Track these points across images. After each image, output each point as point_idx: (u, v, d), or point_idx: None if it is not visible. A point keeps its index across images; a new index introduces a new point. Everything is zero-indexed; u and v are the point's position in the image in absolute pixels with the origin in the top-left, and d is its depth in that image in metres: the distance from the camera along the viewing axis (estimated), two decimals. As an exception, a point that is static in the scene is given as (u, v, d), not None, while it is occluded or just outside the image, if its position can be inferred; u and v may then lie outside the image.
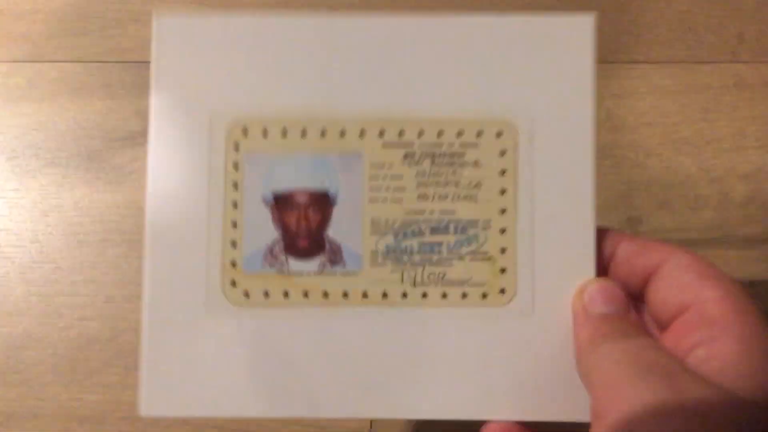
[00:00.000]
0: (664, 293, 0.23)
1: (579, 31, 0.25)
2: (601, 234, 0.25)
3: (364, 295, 0.25)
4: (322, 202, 0.25)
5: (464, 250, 0.25)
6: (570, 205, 0.25)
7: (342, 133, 0.26)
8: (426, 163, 0.26)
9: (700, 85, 0.34)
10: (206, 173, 0.25)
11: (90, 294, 0.34)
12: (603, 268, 0.25)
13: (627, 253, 0.24)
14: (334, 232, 0.26)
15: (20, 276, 0.33)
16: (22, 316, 0.33)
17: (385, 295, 0.25)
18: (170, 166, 0.25)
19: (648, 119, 0.34)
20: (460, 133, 0.26)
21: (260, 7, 0.39)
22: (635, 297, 0.24)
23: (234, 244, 0.25)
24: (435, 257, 0.25)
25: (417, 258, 0.26)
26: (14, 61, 0.35)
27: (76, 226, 0.33)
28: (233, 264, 0.25)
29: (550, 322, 0.24)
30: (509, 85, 0.25)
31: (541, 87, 0.26)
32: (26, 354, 0.33)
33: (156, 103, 0.25)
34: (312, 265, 0.26)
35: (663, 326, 0.23)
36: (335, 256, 0.25)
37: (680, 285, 0.22)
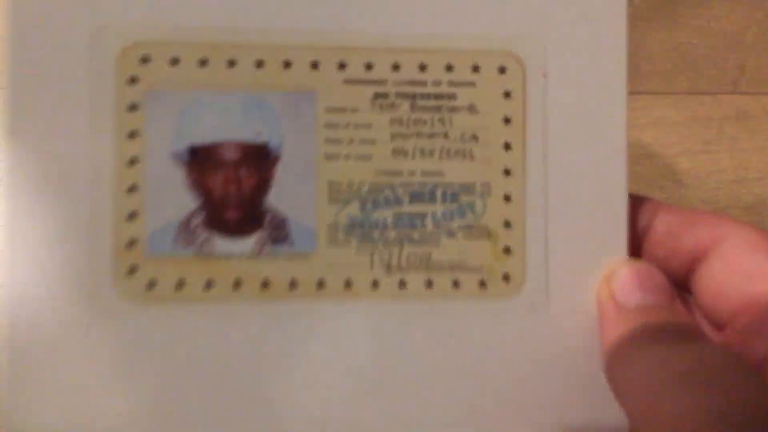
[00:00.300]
0: (722, 281, 0.19)
1: None
2: (635, 203, 0.21)
3: (320, 284, 0.20)
4: (260, 157, 0.19)
5: (456, 223, 0.20)
6: (594, 163, 0.20)
7: (287, 64, 0.20)
8: (403, 108, 0.20)
9: (702, 117, 0.35)
10: (87, 119, 0.19)
11: None
12: (636, 247, 0.21)
13: (668, 228, 0.20)
14: (276, 199, 0.20)
15: None
16: None
17: (348, 284, 0.20)
18: (33, 108, 0.19)
19: (649, 151, 0.35)
20: (449, 68, 0.20)
21: None
22: (678, 285, 0.20)
23: (132, 216, 0.19)
24: (416, 234, 0.20)
25: (392, 234, 0.20)
26: None
27: None
28: (132, 243, 0.19)
29: (568, 318, 0.20)
30: (515, 4, 0.20)
31: (556, 5, 0.21)
32: None
33: (11, 15, 0.19)
34: (246, 244, 0.19)
35: (719, 324, 0.19)
36: (278, 233, 0.19)
37: (745, 270, 0.19)
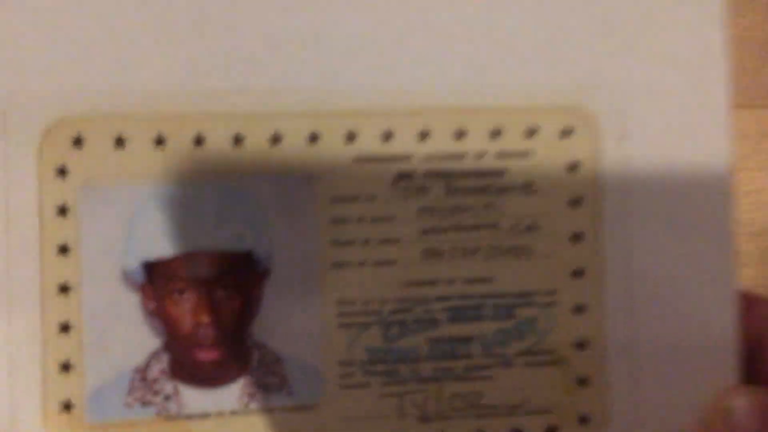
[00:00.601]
0: None
1: None
2: (749, 303, 0.17)
3: (332, 449, 0.15)
4: (243, 272, 0.15)
5: (512, 348, 0.16)
6: (694, 257, 0.16)
7: (275, 139, 0.15)
8: (436, 191, 0.16)
9: (737, 133, 0.33)
10: (3, 223, 0.14)
11: None
12: (749, 360, 0.17)
13: None
14: (267, 329, 0.15)
15: None
16: None
17: (369, 443, 0.15)
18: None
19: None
20: (496, 133, 0.16)
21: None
22: None
23: (66, 367, 0.15)
24: (460, 366, 0.15)
25: (427, 369, 0.16)
26: None
27: None
28: (66, 407, 0.15)
29: None
30: (581, 44, 0.16)
31: (638, 47, 0.16)
32: None
33: None
34: (227, 397, 0.15)
35: None
36: (272, 377, 0.15)
37: None
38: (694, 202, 0.17)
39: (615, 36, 0.17)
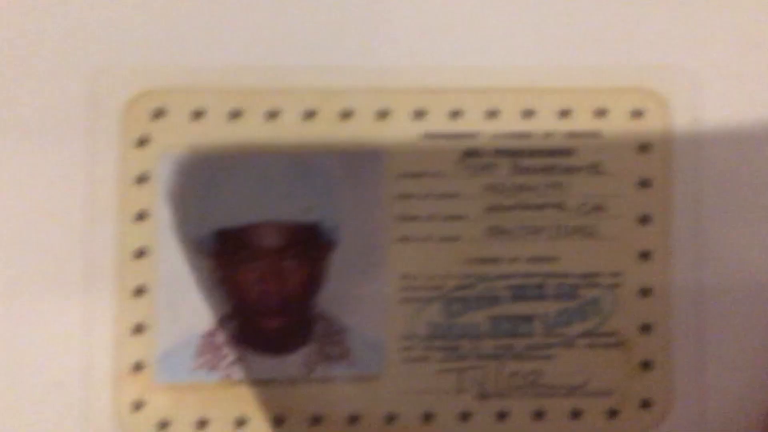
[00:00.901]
0: None
1: None
2: None
3: (390, 419, 0.15)
4: (310, 243, 0.15)
5: (575, 328, 0.16)
6: (763, 243, 0.16)
7: (345, 114, 0.16)
8: (503, 169, 0.16)
9: None
10: (83, 193, 0.15)
11: None
12: None
13: None
14: (331, 301, 0.16)
15: None
16: None
17: (427, 417, 0.15)
18: (8, 184, 0.15)
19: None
20: (564, 113, 0.16)
21: None
22: None
23: (139, 329, 0.15)
24: (521, 344, 0.15)
25: (488, 346, 0.16)
26: None
27: None
28: (137, 368, 0.15)
29: None
30: (652, 24, 0.16)
31: (712, 27, 0.16)
32: None
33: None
34: (290, 364, 0.15)
35: None
36: (334, 347, 0.15)
37: None
38: (763, 191, 0.16)
39: (690, 17, 0.16)
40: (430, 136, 0.16)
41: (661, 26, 0.16)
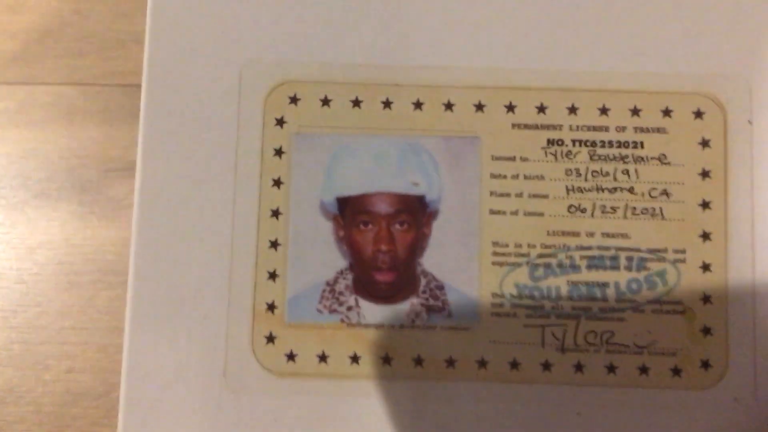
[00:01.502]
0: None
1: None
2: None
3: (481, 363, 0.18)
4: (415, 211, 0.18)
5: (643, 296, 0.18)
6: (813, 228, 0.18)
7: (448, 106, 0.19)
8: (581, 157, 0.19)
9: None
10: (231, 164, 0.18)
11: (80, 343, 0.33)
12: None
13: None
14: (433, 261, 0.18)
15: (2, 321, 0.33)
16: (2, 366, 0.33)
17: (514, 365, 0.18)
18: (171, 152, 0.18)
19: None
20: (635, 111, 0.19)
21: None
22: None
23: (273, 275, 0.18)
24: (596, 306, 0.18)
25: (567, 307, 0.18)
26: (5, 83, 0.37)
27: (67, 266, 0.33)
28: (271, 308, 0.18)
29: None
30: (713, 37, 0.19)
31: (763, 41, 0.19)
32: (6, 410, 0.32)
33: (152, 56, 0.19)
34: (397, 313, 0.18)
35: None
36: (435, 301, 0.18)
37: None
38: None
39: (745, 32, 0.19)
40: (520, 125, 0.19)
41: (721, 39, 0.19)
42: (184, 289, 0.18)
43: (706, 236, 0.18)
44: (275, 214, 0.18)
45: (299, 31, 0.19)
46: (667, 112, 0.19)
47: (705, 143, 0.19)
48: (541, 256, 0.18)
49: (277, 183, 0.18)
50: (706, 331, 0.18)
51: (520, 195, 0.19)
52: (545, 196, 0.19)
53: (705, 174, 0.19)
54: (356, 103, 0.19)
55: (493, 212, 0.18)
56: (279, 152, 0.19)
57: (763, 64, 0.19)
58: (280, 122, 0.19)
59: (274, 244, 0.18)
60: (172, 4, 0.19)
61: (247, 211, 0.18)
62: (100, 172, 0.33)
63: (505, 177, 0.19)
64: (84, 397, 0.31)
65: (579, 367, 0.18)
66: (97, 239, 0.32)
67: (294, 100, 0.19)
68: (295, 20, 0.19)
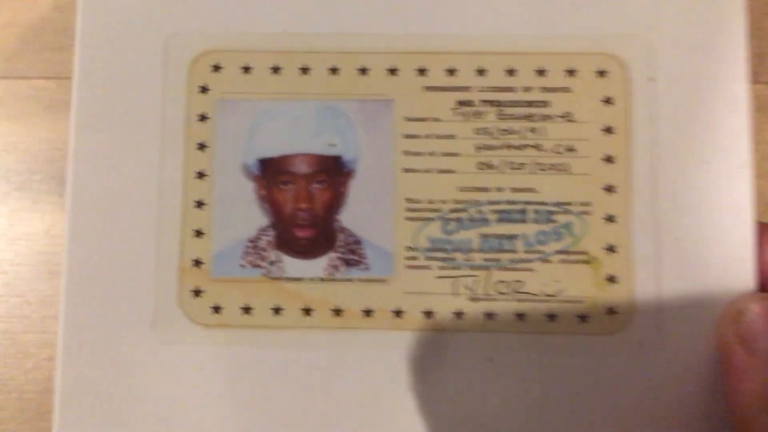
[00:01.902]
0: None
1: None
2: (762, 231, 0.19)
3: (397, 313, 0.19)
4: (333, 171, 0.19)
5: (551, 247, 0.19)
6: (713, 180, 0.19)
7: (362, 71, 0.20)
8: (490, 116, 0.19)
9: None
10: (157, 129, 0.19)
11: None
12: (764, 285, 0.20)
13: None
14: (350, 217, 0.19)
15: (-17, 310, 0.35)
16: (-16, 355, 0.34)
17: (428, 314, 0.19)
18: (104, 119, 0.19)
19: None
20: (541, 72, 0.20)
21: None
22: None
23: (199, 233, 0.19)
24: (505, 258, 0.19)
25: (478, 258, 0.19)
26: (-16, 78, 0.39)
27: (47, 256, 0.34)
28: (197, 264, 0.19)
29: (685, 360, 0.18)
30: (617, 2, 0.20)
31: (664, 5, 0.20)
32: (-12, 398, 0.33)
33: (85, 27, 0.20)
34: (317, 266, 0.19)
35: None
36: (352, 255, 0.19)
37: None
38: (715, 133, 0.19)
39: None
40: (431, 88, 0.20)
41: (623, 2, 0.20)
42: (115, 251, 0.19)
43: (610, 189, 0.19)
44: (200, 175, 0.19)
45: (220, 2, 0.20)
46: (571, 72, 0.20)
47: (608, 101, 0.20)
48: (453, 210, 0.19)
49: (202, 147, 0.19)
50: (611, 279, 0.19)
51: (432, 154, 0.20)
52: (456, 155, 0.20)
53: (608, 130, 0.20)
54: (275, 70, 0.20)
55: (406, 170, 0.19)
56: (203, 118, 0.20)
57: (665, 23, 0.20)
58: (204, 90, 0.20)
59: (200, 204, 0.19)
60: None
61: (173, 174, 0.19)
62: None
63: (417, 137, 0.20)
64: None
65: (490, 315, 0.19)
66: None
67: (216, 68, 0.20)
68: None
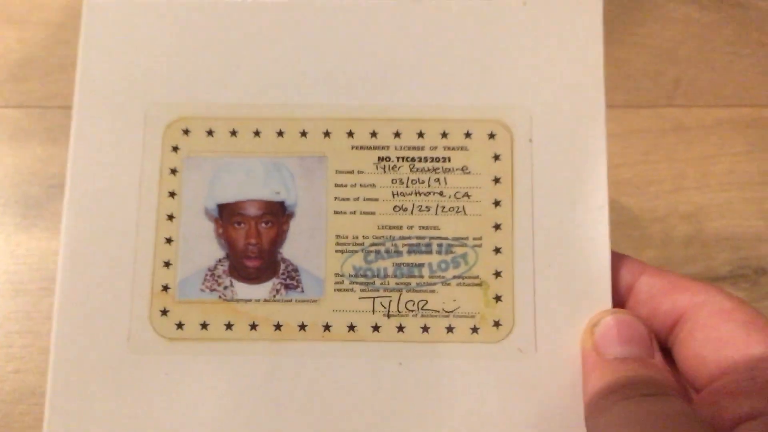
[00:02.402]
0: (699, 347, 0.21)
1: (585, 11, 0.25)
2: (617, 260, 0.24)
3: (326, 327, 0.23)
4: (277, 213, 0.23)
5: (450, 273, 0.24)
6: (578, 219, 0.24)
7: (303, 134, 0.24)
8: (404, 169, 0.24)
9: (640, 129, 0.39)
10: (137, 180, 0.24)
11: (26, 345, 0.35)
12: (620, 304, 0.24)
13: (650, 290, 0.23)
14: (290, 250, 0.24)
15: (-49, 326, 0.35)
16: (-48, 368, 0.35)
17: (351, 327, 0.23)
18: (94, 172, 0.24)
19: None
20: (444, 134, 0.25)
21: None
22: (659, 344, 0.23)
23: (167, 264, 0.24)
24: (414, 282, 0.23)
25: (392, 283, 0.24)
26: (-48, 106, 0.39)
27: (12, 275, 0.35)
28: (165, 289, 0.23)
29: (555, 363, 0.22)
30: (501, 77, 0.25)
31: (540, 79, 0.25)
32: (-40, 408, 0.34)
33: (80, 98, 0.24)
34: (262, 290, 0.24)
35: (696, 386, 0.22)
36: (291, 280, 0.24)
37: (722, 337, 0.21)
38: (579, 181, 0.24)
39: (526, 71, 0.25)
40: (357, 147, 0.25)
41: (508, 78, 0.25)
42: (99, 277, 0.23)
43: (497, 227, 0.24)
44: (170, 217, 0.24)
45: (190, 78, 0.25)
46: (468, 135, 0.25)
47: (497, 157, 0.25)
48: (372, 244, 0.24)
49: (172, 194, 0.24)
50: (498, 298, 0.24)
51: (357, 199, 0.24)
52: (376, 200, 0.24)
53: (497, 180, 0.24)
54: (233, 133, 0.25)
55: (336, 212, 0.24)
56: (173, 171, 0.24)
57: (540, 95, 0.25)
58: (175, 149, 0.24)
59: (169, 240, 0.24)
60: (99, 64, 0.25)
61: (148, 216, 0.24)
62: (43, 188, 0.37)
63: (345, 186, 0.24)
64: (30, 395, 0.34)
65: (401, 328, 0.24)
66: (41, 250, 0.36)
67: (186, 132, 0.25)
68: (187, 71, 0.25)
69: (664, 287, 0.22)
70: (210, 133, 0.24)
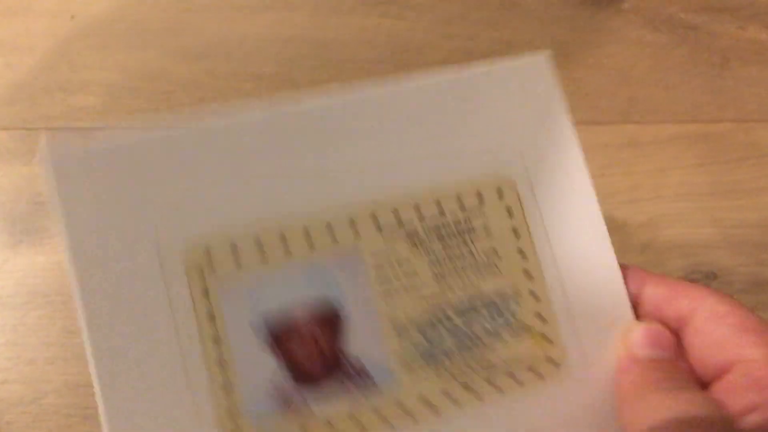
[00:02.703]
0: (700, 351, 0.23)
1: (536, 71, 0.27)
2: (623, 271, 0.25)
3: (407, 412, 0.23)
4: (328, 314, 0.23)
5: (500, 324, 0.25)
6: (589, 249, 0.26)
7: (330, 232, 0.24)
8: (434, 241, 0.25)
9: (598, 145, 0.41)
10: (169, 313, 0.22)
11: (12, 357, 0.36)
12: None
13: (655, 300, 0.25)
14: (350, 345, 0.23)
15: (-63, 340, 0.35)
16: (-63, 382, 0.35)
17: (430, 405, 0.23)
18: (116, 320, 0.22)
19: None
20: (460, 201, 0.26)
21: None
22: None
23: (226, 387, 0.22)
24: (471, 343, 0.24)
25: (454, 350, 0.24)
26: (-62, 129, 0.39)
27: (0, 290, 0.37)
28: (230, 412, 0.22)
29: (602, 380, 0.24)
30: (491, 139, 0.26)
31: (522, 134, 0.27)
32: (-54, 419, 0.33)
33: (73, 255, 0.22)
34: (332, 391, 0.23)
35: (703, 385, 0.23)
36: (359, 376, 0.23)
37: (717, 341, 0.22)
38: (579, 221, 0.27)
39: (502, 127, 0.26)
40: (386, 232, 0.25)
41: (499, 139, 0.27)
42: (153, 418, 0.21)
43: (527, 274, 0.26)
44: (215, 340, 0.22)
45: (200, 205, 0.23)
46: (479, 196, 0.26)
47: (510, 211, 0.26)
48: (425, 318, 0.24)
49: (211, 317, 0.23)
50: (544, 336, 0.25)
51: (399, 279, 0.24)
52: (416, 274, 0.25)
53: (515, 232, 0.26)
54: (259, 247, 0.24)
55: (385, 296, 0.24)
56: (206, 293, 0.23)
57: (527, 147, 0.27)
58: (201, 273, 0.23)
59: (220, 362, 0.22)
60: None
61: (191, 345, 0.22)
62: (29, 205, 0.38)
63: (385, 269, 0.24)
64: (17, 404, 0.34)
65: (473, 391, 0.24)
66: (27, 265, 0.37)
67: (207, 253, 0.23)
68: (193, 198, 0.23)
69: (666, 295, 0.24)
70: (234, 250, 0.23)
